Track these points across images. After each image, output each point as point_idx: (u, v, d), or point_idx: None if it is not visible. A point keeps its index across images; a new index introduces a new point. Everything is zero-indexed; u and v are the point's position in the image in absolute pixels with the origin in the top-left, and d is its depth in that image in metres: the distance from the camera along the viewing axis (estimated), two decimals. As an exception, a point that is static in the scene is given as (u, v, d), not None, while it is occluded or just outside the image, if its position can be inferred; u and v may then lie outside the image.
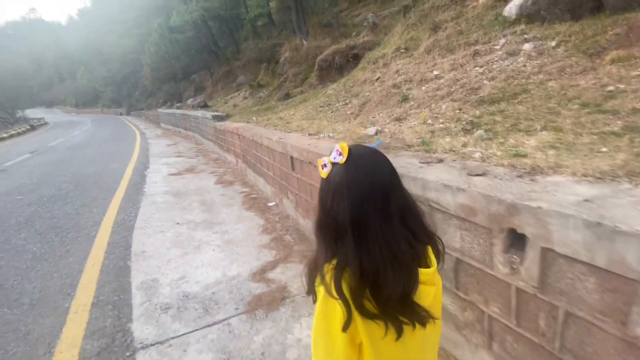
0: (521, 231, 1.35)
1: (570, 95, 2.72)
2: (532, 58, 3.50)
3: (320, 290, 0.74)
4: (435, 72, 4.35)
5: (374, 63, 7.12)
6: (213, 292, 2.69)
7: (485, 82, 3.53)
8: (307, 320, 2.28)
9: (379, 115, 4.36)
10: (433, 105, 3.66)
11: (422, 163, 2.02)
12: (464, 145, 2.30)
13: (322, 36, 13.52)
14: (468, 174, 1.70)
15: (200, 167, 8.00)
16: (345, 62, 9.87)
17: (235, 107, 13.05)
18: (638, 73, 2.56)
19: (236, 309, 2.45)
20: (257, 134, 5.44)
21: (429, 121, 3.26)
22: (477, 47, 4.27)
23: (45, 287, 2.98)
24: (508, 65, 3.60)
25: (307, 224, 3.68)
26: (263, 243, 3.62)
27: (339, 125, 4.52)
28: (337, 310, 0.70)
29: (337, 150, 0.75)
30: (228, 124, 8.20)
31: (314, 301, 0.76)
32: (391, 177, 0.77)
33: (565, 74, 3.04)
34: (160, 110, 22.71)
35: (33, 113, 44.74)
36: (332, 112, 5.88)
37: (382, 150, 2.41)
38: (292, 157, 3.86)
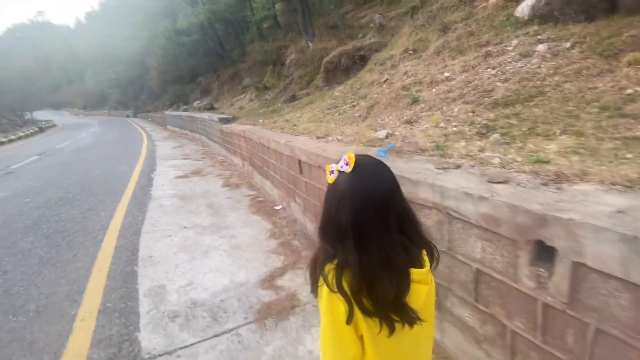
0: (550, 244, 1.27)
1: (588, 98, 2.63)
2: (546, 59, 3.41)
3: (323, 290, 0.81)
4: (446, 74, 4.27)
5: (381, 65, 7.05)
6: (221, 300, 2.63)
7: (498, 84, 3.44)
8: (318, 330, 2.21)
9: (388, 117, 4.29)
10: (445, 108, 3.59)
11: (439, 169, 1.95)
12: (481, 150, 2.22)
13: (328, 38, 13.47)
14: (489, 182, 1.63)
15: (207, 170, 7.98)
16: (352, 64, 9.80)
17: (242, 110, 13.04)
18: (660, 75, 2.47)
19: (245, 318, 2.39)
20: (263, 137, 5.40)
21: (442, 124, 3.18)
22: (489, 48, 4.18)
23: (52, 293, 2.94)
24: (522, 66, 3.51)
25: (316, 229, 3.61)
26: (271, 248, 3.56)
27: (347, 128, 4.46)
28: (341, 305, 0.77)
29: (345, 159, 0.82)
30: (234, 127, 8.18)
31: (315, 296, 0.85)
32: (392, 188, 0.83)
33: (582, 76, 2.95)
34: (166, 112, 22.82)
35: (41, 115, 45.16)
36: (339, 114, 5.82)
37: (394, 155, 2.33)
38: (300, 161, 3.80)
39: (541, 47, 3.60)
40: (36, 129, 28.20)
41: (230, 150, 8.78)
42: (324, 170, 0.89)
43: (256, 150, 6.08)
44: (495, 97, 3.23)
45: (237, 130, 7.54)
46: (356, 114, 5.16)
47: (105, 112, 49.37)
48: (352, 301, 0.77)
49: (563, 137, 2.19)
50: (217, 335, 2.23)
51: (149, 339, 2.24)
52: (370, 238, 0.78)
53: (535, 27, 3.96)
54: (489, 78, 3.63)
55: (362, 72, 8.00)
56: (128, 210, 5.16)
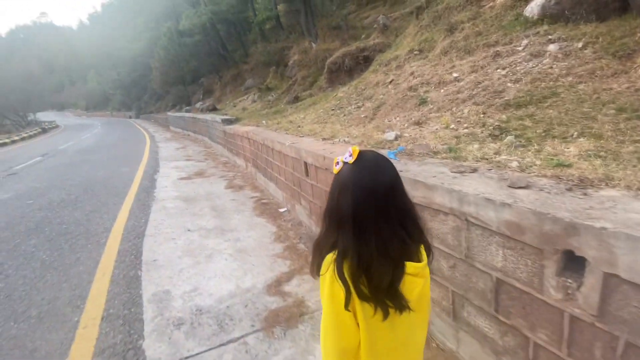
0: (580, 254, 1.20)
1: (604, 100, 2.56)
2: (558, 60, 3.33)
3: (326, 278, 0.85)
4: (455, 74, 4.20)
5: (386, 65, 6.98)
6: (227, 306, 2.56)
7: (509, 84, 3.37)
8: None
9: (395, 119, 4.22)
10: (454, 109, 3.51)
11: (455, 172, 1.88)
12: (497, 152, 2.15)
13: (331, 39, 13.41)
14: (510, 186, 1.56)
15: (210, 171, 7.92)
16: (355, 65, 9.74)
17: (244, 111, 12.99)
18: (680, 76, 2.40)
19: (252, 325, 2.32)
20: (268, 138, 5.34)
21: (452, 126, 3.11)
22: (498, 49, 4.11)
23: (54, 298, 2.88)
24: (533, 67, 3.43)
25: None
26: (276, 252, 3.49)
27: (353, 130, 4.39)
28: (341, 293, 0.82)
29: (349, 151, 0.87)
30: (238, 128, 8.12)
31: (315, 277, 0.91)
32: (393, 183, 0.86)
33: (596, 76, 2.87)
34: (169, 113, 22.81)
35: (44, 116, 45.24)
36: (344, 115, 5.75)
37: (405, 157, 2.27)
38: (306, 163, 3.73)
39: (552, 47, 3.53)
40: (39, 129, 28.24)
41: (233, 152, 8.72)
42: (332, 172, 0.93)
43: (260, 151, 6.02)
44: (506, 98, 3.15)
45: (241, 131, 7.49)
46: (362, 115, 5.09)
47: (108, 113, 49.44)
48: (351, 287, 0.81)
49: (581, 139, 2.12)
50: (223, 344, 2.16)
51: (153, 348, 2.17)
52: (368, 228, 0.82)
53: (546, 27, 3.89)
54: (499, 78, 3.56)
55: (366, 72, 7.93)
56: (131, 213, 5.11)
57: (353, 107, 5.90)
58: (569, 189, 1.47)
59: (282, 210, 4.85)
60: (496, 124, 2.79)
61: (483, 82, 3.67)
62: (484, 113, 3.13)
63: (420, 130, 3.37)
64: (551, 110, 2.66)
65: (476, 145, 2.43)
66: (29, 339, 2.40)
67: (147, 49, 29.11)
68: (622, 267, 1.12)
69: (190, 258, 3.46)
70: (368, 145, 3.18)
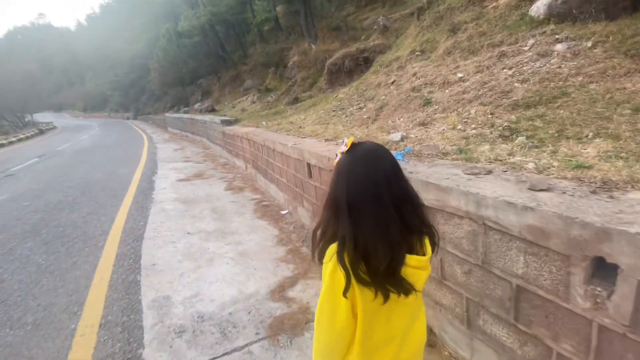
0: (612, 261, 1.13)
1: (617, 99, 2.49)
2: (567, 59, 3.27)
3: (328, 266, 0.87)
4: (459, 75, 4.13)
5: (387, 66, 6.93)
6: (230, 313, 2.47)
7: (516, 84, 3.31)
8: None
9: (399, 119, 4.15)
10: (460, 110, 3.45)
11: (469, 174, 1.81)
12: (510, 153, 2.08)
13: (330, 40, 13.35)
14: (530, 189, 1.49)
15: (209, 173, 7.83)
16: (356, 66, 9.67)
17: (244, 112, 12.90)
18: (697, 74, 2.33)
19: (257, 333, 2.23)
20: (268, 139, 5.26)
21: (459, 126, 3.04)
22: (503, 49, 4.05)
23: (50, 304, 2.79)
24: (541, 66, 3.37)
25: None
26: (279, 256, 3.41)
27: (356, 130, 4.32)
28: (342, 279, 0.84)
29: (345, 141, 0.92)
30: (237, 129, 8.04)
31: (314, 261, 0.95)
32: (387, 170, 0.87)
33: (608, 76, 2.81)
34: (167, 114, 22.69)
35: (42, 117, 45.07)
36: (346, 116, 5.68)
37: (413, 158, 2.21)
38: (309, 164, 3.66)
39: (560, 47, 3.47)
40: (36, 130, 28.07)
41: (232, 153, 8.64)
42: None
43: (260, 152, 5.94)
44: (514, 99, 3.09)
45: (240, 132, 7.40)
46: (364, 116, 5.02)
47: (106, 114, 49.17)
48: (350, 273, 0.83)
49: (597, 140, 2.05)
50: (227, 353, 2.07)
51: (154, 358, 2.08)
52: (363, 213, 0.83)
53: (552, 27, 3.83)
54: (505, 79, 3.49)
55: (367, 73, 7.87)
56: (129, 215, 5.02)
57: (355, 108, 5.83)
58: (593, 192, 1.39)
59: (283, 212, 4.77)
60: (505, 124, 2.72)
61: (489, 82, 3.60)
62: (491, 113, 3.06)
63: (426, 131, 3.29)
64: (562, 111, 2.60)
65: (487, 146, 2.36)
66: (24, 346, 2.31)
67: (145, 50, 29.00)
68: (658, 275, 1.05)
69: (190, 262, 3.38)
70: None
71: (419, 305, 1.04)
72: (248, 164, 7.20)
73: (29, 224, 4.93)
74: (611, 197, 1.34)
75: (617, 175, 1.50)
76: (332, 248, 0.88)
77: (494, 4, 5.39)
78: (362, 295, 0.86)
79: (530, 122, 2.61)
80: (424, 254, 0.93)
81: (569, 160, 1.77)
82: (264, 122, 7.92)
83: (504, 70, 3.68)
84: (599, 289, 1.19)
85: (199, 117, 13.80)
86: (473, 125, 2.96)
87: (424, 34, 6.80)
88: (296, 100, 10.68)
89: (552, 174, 1.64)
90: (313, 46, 13.70)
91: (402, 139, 3.06)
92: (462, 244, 1.72)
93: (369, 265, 0.83)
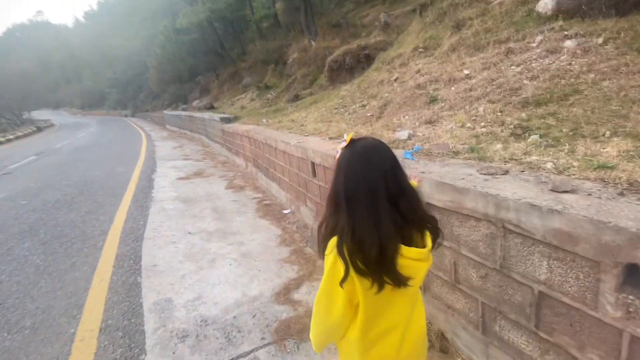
0: (648, 268, 1.06)
1: (633, 97, 2.42)
2: (577, 56, 3.20)
3: (329, 258, 0.92)
4: (465, 72, 4.06)
5: (389, 63, 6.85)
6: (234, 317, 2.40)
7: (525, 82, 3.23)
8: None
9: (404, 117, 4.07)
10: (468, 107, 3.37)
11: (485, 174, 1.74)
12: (526, 153, 2.01)
13: (331, 36, 13.25)
14: (552, 190, 1.42)
15: (209, 171, 7.75)
16: (357, 63, 9.59)
17: (243, 109, 12.80)
18: None
19: (262, 338, 2.16)
20: (270, 137, 5.17)
21: (468, 124, 2.97)
22: (510, 45, 3.97)
23: (49, 307, 2.71)
24: (550, 63, 3.30)
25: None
26: (283, 257, 3.34)
27: (360, 128, 4.24)
28: (341, 270, 0.89)
29: (344, 137, 0.96)
30: (237, 126, 7.95)
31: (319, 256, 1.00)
32: (384, 166, 0.91)
33: (621, 73, 2.74)
34: (165, 112, 22.54)
35: (39, 114, 44.66)
36: (349, 114, 5.60)
37: (423, 157, 2.17)
38: (313, 163, 3.58)
39: (569, 43, 3.39)
40: (34, 128, 27.87)
41: (232, 151, 8.55)
42: None
43: (261, 151, 5.86)
44: (524, 96, 3.01)
45: (240, 130, 7.31)
46: (368, 114, 4.94)
47: (104, 111, 48.84)
48: (348, 262, 0.88)
49: (615, 139, 1.98)
50: None
51: (156, 364, 2.01)
52: (359, 207, 0.88)
53: (561, 23, 3.76)
54: (514, 75, 3.42)
55: (368, 70, 7.79)
56: (129, 214, 4.93)
57: (357, 105, 5.75)
58: (621, 194, 1.32)
59: (285, 211, 4.69)
60: (516, 122, 2.65)
61: (497, 79, 3.53)
62: (501, 111, 2.99)
63: (433, 129, 3.22)
64: (575, 109, 2.53)
65: (499, 145, 2.29)
66: (23, 352, 2.23)
67: (143, 47, 28.80)
68: (698, 284, 0.98)
69: (192, 263, 3.30)
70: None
71: (417, 295, 1.11)
72: (248, 162, 7.12)
73: (26, 223, 4.84)
74: (641, 199, 1.27)
75: (644, 176, 1.43)
76: (334, 240, 0.92)
77: (499, 0, 5.31)
78: (362, 285, 0.91)
79: (543, 120, 2.54)
80: (424, 247, 0.96)
81: (590, 160, 1.70)
82: (264, 120, 7.84)
83: (512, 67, 3.60)
84: (631, 297, 1.12)
85: (198, 114, 13.69)
86: (482, 124, 2.89)
87: (426, 30, 6.72)
88: (296, 97, 10.59)
89: (574, 175, 1.57)
90: (313, 43, 13.59)
91: (409, 137, 2.99)
92: (479, 247, 1.65)
93: (364, 254, 0.87)
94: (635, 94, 2.44)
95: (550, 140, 2.19)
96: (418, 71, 5.18)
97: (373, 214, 0.87)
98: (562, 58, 3.28)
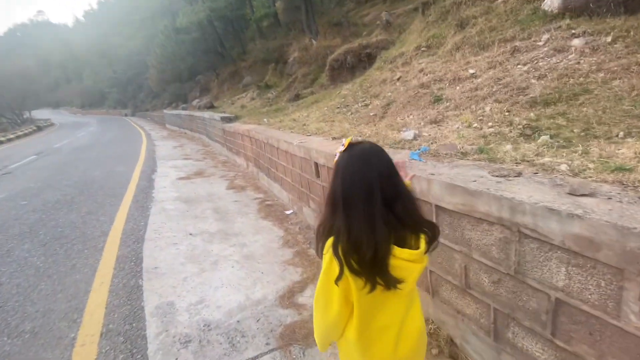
0: (676, 277, 1.01)
1: (645, 96, 2.37)
2: (585, 55, 3.15)
3: (326, 257, 0.95)
4: (471, 71, 4.00)
5: (391, 62, 6.79)
6: (238, 321, 2.35)
7: (533, 81, 3.18)
8: None
9: (408, 117, 4.02)
10: (474, 107, 3.32)
11: (497, 176, 1.69)
12: (538, 154, 1.96)
13: (332, 36, 13.20)
14: (570, 194, 1.37)
15: (210, 171, 7.70)
16: (358, 62, 9.54)
17: (243, 108, 12.74)
18: None
19: (267, 344, 2.11)
20: (272, 137, 5.12)
21: (475, 124, 2.91)
22: (516, 44, 3.92)
23: (49, 310, 2.67)
24: (558, 62, 3.25)
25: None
26: (286, 258, 3.29)
27: (364, 128, 4.19)
28: (337, 269, 0.92)
29: (343, 141, 1.00)
30: (238, 126, 7.90)
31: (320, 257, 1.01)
32: (380, 170, 0.94)
33: (632, 72, 2.69)
34: (165, 111, 22.48)
35: (40, 114, 44.62)
36: (351, 113, 5.55)
37: (430, 158, 2.16)
38: (317, 164, 3.53)
39: (577, 42, 3.34)
40: (35, 127, 27.82)
41: (233, 151, 8.50)
42: None
43: (263, 150, 5.81)
44: (532, 95, 2.96)
45: (241, 129, 7.26)
46: (371, 113, 4.88)
47: (104, 111, 48.74)
48: (343, 262, 0.91)
49: (630, 140, 1.93)
50: (237, 366, 1.96)
51: (159, 370, 1.97)
52: (355, 209, 0.91)
53: (568, 21, 3.70)
54: (521, 75, 3.37)
55: (370, 70, 7.73)
56: (129, 215, 4.89)
57: (360, 105, 5.70)
58: (643, 198, 1.27)
59: (288, 212, 4.65)
60: (525, 122, 2.60)
61: (503, 78, 3.47)
62: (508, 111, 2.94)
63: (439, 129, 3.17)
64: (586, 108, 2.48)
65: (509, 146, 2.24)
66: (23, 357, 2.19)
67: (143, 47, 28.72)
68: None
69: (194, 265, 3.25)
70: (385, 145, 2.98)
71: (414, 295, 1.13)
72: (249, 162, 7.07)
73: (26, 224, 4.80)
74: (664, 203, 1.22)
75: (664, 179, 1.38)
76: (331, 240, 0.95)
77: (503, -2, 5.25)
78: (356, 284, 0.95)
79: (552, 120, 2.49)
80: (417, 249, 0.98)
81: (606, 161, 1.65)
82: (265, 119, 7.78)
83: (519, 66, 3.55)
84: (656, 306, 1.08)
85: (198, 114, 13.63)
86: (490, 124, 2.84)
87: (429, 29, 6.66)
88: (297, 96, 10.53)
89: (590, 177, 1.52)
90: (314, 42, 13.53)
91: (415, 138, 2.94)
92: (491, 251, 1.60)
93: (359, 255, 0.90)
94: (647, 93, 2.39)
95: (561, 141, 2.14)
96: (421, 70, 5.12)
97: (367, 216, 0.90)
98: (570, 57, 3.23)
